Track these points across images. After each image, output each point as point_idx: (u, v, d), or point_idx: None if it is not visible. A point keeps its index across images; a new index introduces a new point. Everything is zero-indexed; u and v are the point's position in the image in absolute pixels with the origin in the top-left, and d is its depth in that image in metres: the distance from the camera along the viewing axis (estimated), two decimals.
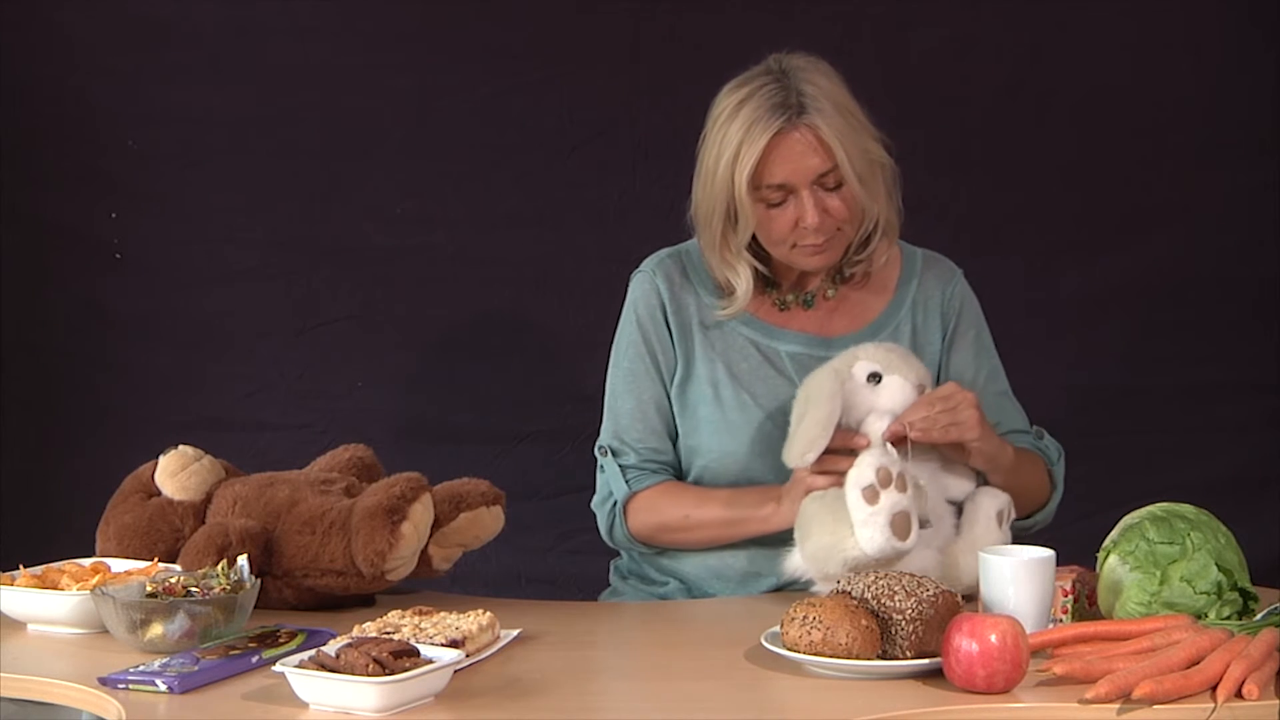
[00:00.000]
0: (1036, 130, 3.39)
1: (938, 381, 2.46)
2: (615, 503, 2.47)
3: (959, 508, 2.26)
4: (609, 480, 2.48)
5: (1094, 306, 3.41)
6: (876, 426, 2.22)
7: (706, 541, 2.44)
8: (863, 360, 2.26)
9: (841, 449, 2.21)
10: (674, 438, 2.48)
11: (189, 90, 3.32)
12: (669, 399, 2.47)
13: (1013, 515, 2.27)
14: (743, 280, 2.42)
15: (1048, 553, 2.03)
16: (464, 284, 3.37)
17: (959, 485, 2.27)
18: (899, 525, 2.09)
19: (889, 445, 2.19)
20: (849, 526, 2.11)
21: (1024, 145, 3.38)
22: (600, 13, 3.32)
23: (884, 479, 2.10)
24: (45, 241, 3.35)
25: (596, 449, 2.51)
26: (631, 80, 3.34)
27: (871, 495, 2.09)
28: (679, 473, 2.49)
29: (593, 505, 2.52)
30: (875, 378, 2.24)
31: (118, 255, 3.35)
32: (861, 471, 2.11)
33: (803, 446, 2.20)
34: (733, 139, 2.32)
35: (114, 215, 3.34)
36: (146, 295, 3.36)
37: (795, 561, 2.22)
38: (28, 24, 3.29)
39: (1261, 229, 3.39)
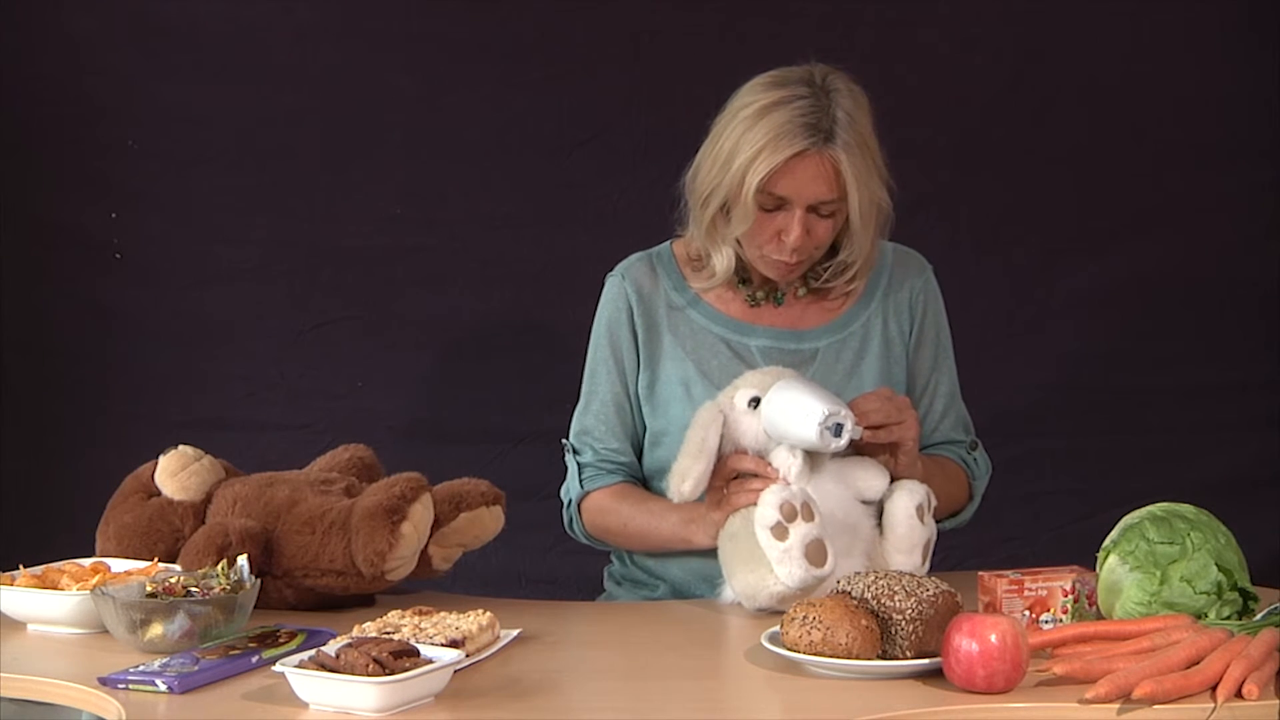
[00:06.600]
0: (1037, 130, 3.38)
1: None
2: (571, 501, 2.50)
3: (878, 507, 2.24)
4: (568, 477, 2.51)
5: (1094, 306, 3.41)
6: (785, 459, 2.20)
7: (645, 549, 2.48)
8: (744, 388, 2.25)
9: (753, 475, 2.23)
10: (636, 439, 2.50)
11: (189, 90, 3.32)
12: (631, 401, 2.49)
13: (934, 504, 2.23)
14: (723, 259, 2.43)
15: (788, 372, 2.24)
16: (464, 284, 3.37)
17: (871, 482, 2.24)
18: (814, 554, 2.10)
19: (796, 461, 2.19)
20: (767, 564, 2.12)
21: (1024, 145, 3.38)
22: (600, 13, 3.32)
23: (789, 514, 2.10)
24: (45, 241, 3.34)
25: (562, 441, 2.53)
26: (631, 80, 3.34)
27: (780, 531, 2.10)
28: (638, 473, 2.51)
29: (560, 494, 2.55)
30: (755, 403, 2.23)
31: (118, 255, 3.34)
32: (766, 510, 2.11)
33: (677, 480, 2.23)
34: (754, 141, 2.30)
35: (114, 215, 3.34)
36: (146, 295, 3.35)
37: (729, 594, 2.24)
38: (28, 23, 3.29)
39: (1261, 229, 3.39)
